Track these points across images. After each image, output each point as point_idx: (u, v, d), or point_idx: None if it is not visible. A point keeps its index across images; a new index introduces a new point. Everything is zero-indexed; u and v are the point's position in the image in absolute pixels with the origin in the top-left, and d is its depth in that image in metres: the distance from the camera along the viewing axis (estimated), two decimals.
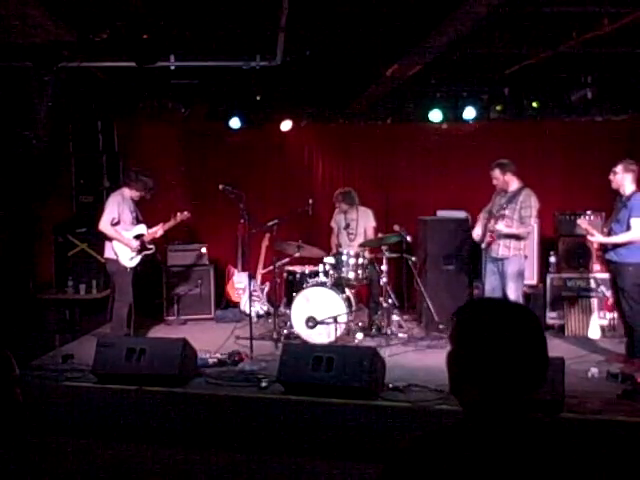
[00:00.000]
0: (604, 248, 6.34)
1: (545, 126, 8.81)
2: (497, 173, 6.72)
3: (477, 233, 6.89)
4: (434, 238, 7.86)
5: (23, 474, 1.64)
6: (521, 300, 6.73)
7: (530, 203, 6.56)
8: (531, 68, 7.16)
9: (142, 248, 7.11)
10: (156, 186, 7.25)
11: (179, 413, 5.30)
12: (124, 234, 6.99)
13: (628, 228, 6.02)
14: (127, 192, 7.10)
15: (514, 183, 6.70)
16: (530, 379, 1.54)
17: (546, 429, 1.52)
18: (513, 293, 6.59)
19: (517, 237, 6.57)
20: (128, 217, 7.06)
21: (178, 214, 7.32)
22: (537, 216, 6.94)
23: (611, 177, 6.20)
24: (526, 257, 6.75)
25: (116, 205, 6.99)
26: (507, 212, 6.63)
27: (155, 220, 7.32)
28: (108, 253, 7.05)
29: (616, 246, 6.12)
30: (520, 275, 6.67)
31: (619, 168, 6.14)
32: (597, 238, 6.31)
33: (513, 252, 6.59)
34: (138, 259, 7.09)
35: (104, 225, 6.94)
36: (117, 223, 6.98)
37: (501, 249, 6.64)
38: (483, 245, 6.83)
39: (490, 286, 6.79)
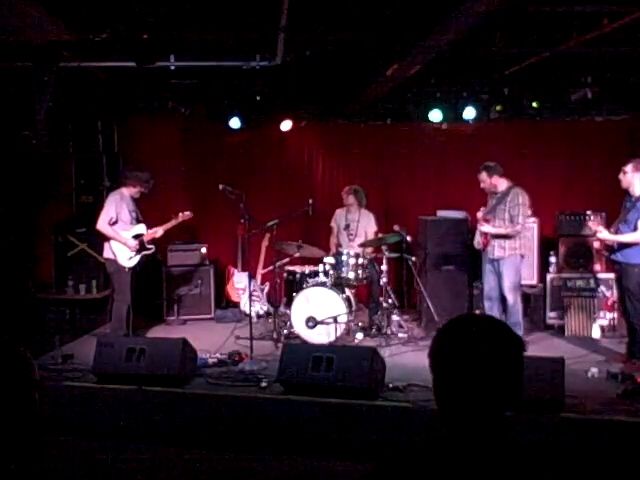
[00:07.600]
0: (611, 249, 6.28)
1: (545, 126, 8.82)
2: (484, 176, 6.78)
3: (477, 241, 6.92)
4: (434, 238, 7.86)
5: (23, 475, 1.63)
6: (519, 298, 6.77)
7: (518, 201, 6.59)
8: (531, 68, 7.15)
9: (141, 248, 7.09)
10: (153, 179, 7.20)
11: (179, 413, 5.30)
12: (122, 234, 6.97)
13: (635, 229, 5.97)
14: (125, 191, 7.10)
15: (503, 184, 6.76)
16: (504, 397, 1.54)
17: (521, 451, 1.53)
18: (510, 292, 6.65)
19: (511, 237, 6.60)
20: (127, 217, 7.04)
21: (180, 214, 7.31)
22: (531, 214, 6.95)
23: (620, 176, 6.11)
24: (523, 256, 6.76)
25: (114, 204, 6.98)
26: (498, 213, 6.67)
27: (155, 220, 7.31)
28: (107, 253, 7.04)
29: (622, 247, 6.07)
30: (517, 274, 6.71)
31: (629, 167, 6.05)
32: (604, 235, 6.25)
33: (508, 252, 6.64)
34: (137, 259, 7.07)
35: (101, 224, 6.94)
36: (115, 223, 6.96)
37: (496, 250, 6.69)
38: (480, 247, 6.87)
39: (488, 286, 6.88)
